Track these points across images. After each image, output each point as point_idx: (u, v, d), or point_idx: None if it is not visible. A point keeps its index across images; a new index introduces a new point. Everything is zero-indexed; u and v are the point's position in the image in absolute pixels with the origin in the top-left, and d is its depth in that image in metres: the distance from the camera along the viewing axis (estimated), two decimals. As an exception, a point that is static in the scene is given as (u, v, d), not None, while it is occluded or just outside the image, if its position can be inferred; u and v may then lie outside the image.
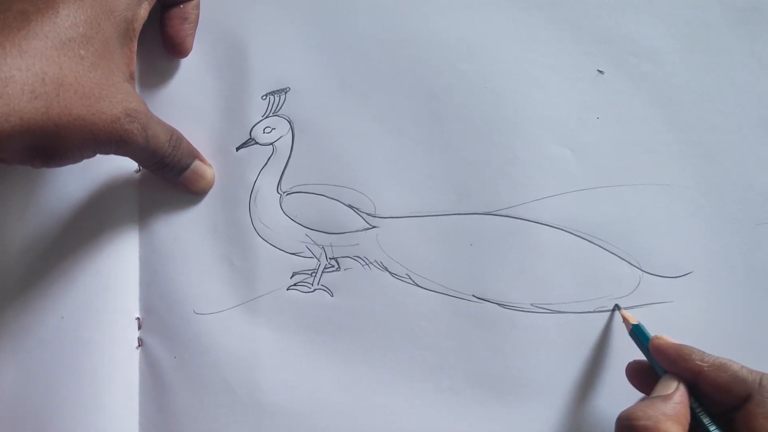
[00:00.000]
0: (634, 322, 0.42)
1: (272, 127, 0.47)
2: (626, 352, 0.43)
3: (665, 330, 0.44)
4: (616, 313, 0.44)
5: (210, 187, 0.46)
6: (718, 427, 0.37)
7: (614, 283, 0.44)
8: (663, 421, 0.35)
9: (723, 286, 0.44)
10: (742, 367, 0.37)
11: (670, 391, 0.38)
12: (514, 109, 0.46)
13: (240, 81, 0.47)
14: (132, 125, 0.39)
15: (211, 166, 0.46)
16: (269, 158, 0.47)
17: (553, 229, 0.45)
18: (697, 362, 0.38)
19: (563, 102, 0.46)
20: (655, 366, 0.40)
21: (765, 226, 0.44)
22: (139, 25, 0.42)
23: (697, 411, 0.38)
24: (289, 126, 0.47)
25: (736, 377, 0.37)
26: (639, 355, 0.42)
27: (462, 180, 0.46)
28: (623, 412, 0.36)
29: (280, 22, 0.47)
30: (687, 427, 0.36)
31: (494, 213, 0.45)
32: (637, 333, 0.42)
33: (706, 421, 0.37)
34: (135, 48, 0.42)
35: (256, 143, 0.47)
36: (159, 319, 0.46)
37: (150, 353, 0.46)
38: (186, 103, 0.47)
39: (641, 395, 0.42)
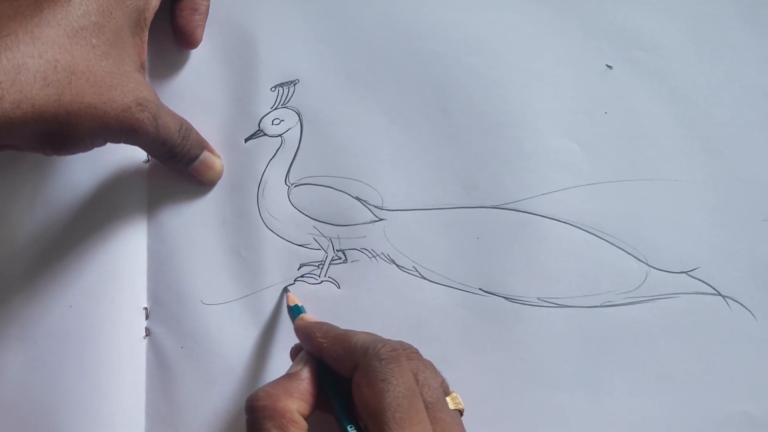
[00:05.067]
0: (291, 303, 0.44)
1: (281, 118, 0.47)
2: (630, 346, 0.44)
3: (673, 325, 0.44)
4: (622, 307, 0.44)
5: (219, 178, 0.46)
6: (341, 399, 0.37)
7: (621, 278, 0.45)
8: (283, 399, 0.36)
9: (729, 282, 0.44)
10: (364, 337, 0.38)
11: (297, 369, 0.38)
12: (522, 103, 0.46)
13: (249, 72, 0.47)
14: (142, 114, 0.39)
15: (219, 157, 0.46)
16: (278, 150, 0.47)
17: (560, 223, 0.45)
18: (319, 339, 0.38)
19: (571, 96, 0.46)
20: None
21: (772, 222, 0.45)
22: (150, 15, 0.42)
23: (327, 385, 0.38)
24: (297, 118, 0.47)
25: (348, 348, 0.37)
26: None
27: (469, 173, 0.46)
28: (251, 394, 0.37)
29: (289, 14, 0.48)
30: (312, 401, 0.37)
31: (501, 206, 0.46)
32: (294, 313, 0.43)
33: (331, 394, 0.38)
34: (146, 37, 0.42)
35: (265, 135, 0.47)
36: (166, 309, 0.46)
37: (157, 343, 0.46)
38: (195, 94, 0.47)
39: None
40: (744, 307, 0.44)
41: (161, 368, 0.45)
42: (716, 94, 0.46)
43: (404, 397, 0.34)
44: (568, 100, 0.46)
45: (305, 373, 0.38)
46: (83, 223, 0.46)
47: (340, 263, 0.46)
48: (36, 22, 0.36)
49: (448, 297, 0.45)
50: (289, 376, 0.38)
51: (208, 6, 0.47)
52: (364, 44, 0.47)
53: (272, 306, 0.45)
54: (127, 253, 0.46)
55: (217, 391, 0.45)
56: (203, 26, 0.47)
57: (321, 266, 0.46)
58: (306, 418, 0.36)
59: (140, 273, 0.46)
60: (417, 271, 0.45)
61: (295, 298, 0.44)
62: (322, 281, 0.46)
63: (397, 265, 0.46)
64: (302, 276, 0.46)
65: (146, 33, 0.42)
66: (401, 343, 0.38)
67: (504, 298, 0.45)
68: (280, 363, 0.45)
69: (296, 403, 0.36)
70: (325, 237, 0.46)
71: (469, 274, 0.45)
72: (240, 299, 0.46)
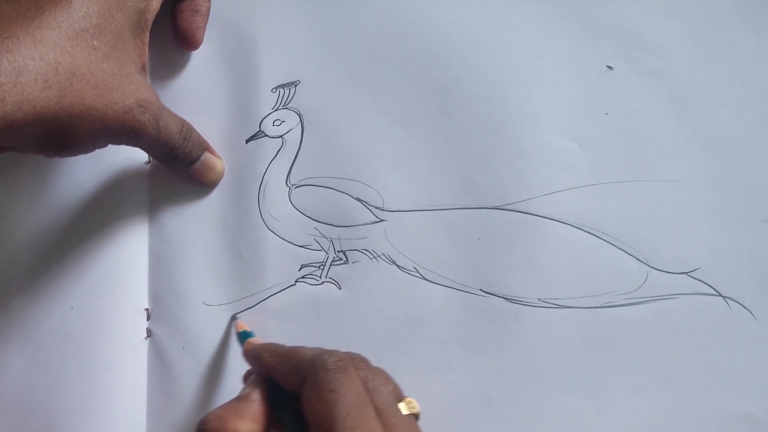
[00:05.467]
0: (239, 330, 0.44)
1: (282, 119, 0.47)
2: (631, 347, 0.44)
3: (674, 325, 0.44)
4: (623, 308, 0.44)
5: (219, 179, 0.47)
6: (293, 416, 0.37)
7: (621, 279, 0.45)
8: (233, 421, 0.35)
9: (730, 282, 0.44)
10: (310, 351, 0.37)
11: (247, 391, 0.38)
12: (523, 103, 0.46)
13: (250, 73, 0.47)
14: (144, 116, 0.39)
15: (220, 158, 0.46)
16: (278, 151, 0.47)
17: (561, 224, 0.45)
18: (266, 359, 0.38)
19: (571, 96, 0.46)
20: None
21: (772, 222, 0.45)
22: (151, 17, 0.42)
23: (279, 404, 0.38)
24: (298, 119, 0.47)
25: (295, 363, 0.37)
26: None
27: (470, 174, 0.46)
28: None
29: (290, 15, 0.48)
30: (263, 421, 0.37)
31: (502, 207, 0.46)
32: (242, 338, 0.43)
33: (282, 412, 0.37)
34: (147, 39, 0.42)
35: (266, 136, 0.47)
36: (168, 309, 0.46)
37: (158, 344, 0.46)
38: (196, 96, 0.47)
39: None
40: (744, 307, 0.44)
41: (162, 369, 0.45)
42: (716, 94, 0.46)
43: (353, 405, 0.34)
44: (568, 100, 0.46)
45: (255, 395, 0.37)
46: (84, 225, 0.46)
47: (341, 264, 0.46)
48: (37, 25, 0.36)
49: (449, 297, 0.45)
50: (239, 398, 0.37)
51: (209, 7, 0.47)
52: (364, 45, 0.47)
53: (273, 307, 0.46)
54: (128, 254, 0.46)
55: (219, 392, 0.45)
56: (204, 28, 0.47)
57: (322, 267, 0.46)
58: None
59: (141, 274, 0.46)
60: (417, 271, 0.45)
61: (243, 324, 0.44)
62: (322, 282, 0.46)
63: (398, 266, 0.46)
64: (303, 277, 0.46)
65: (147, 34, 0.42)
66: (349, 353, 0.38)
67: (504, 298, 0.45)
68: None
69: (247, 424, 0.36)
70: (326, 238, 0.46)
71: (469, 275, 0.45)
72: (241, 300, 0.46)
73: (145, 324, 0.46)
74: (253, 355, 0.40)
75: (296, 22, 0.47)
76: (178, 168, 0.45)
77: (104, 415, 0.45)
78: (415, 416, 0.38)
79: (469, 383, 0.44)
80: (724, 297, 0.44)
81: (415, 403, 0.38)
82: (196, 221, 0.46)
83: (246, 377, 0.41)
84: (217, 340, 0.45)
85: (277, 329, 0.45)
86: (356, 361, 0.37)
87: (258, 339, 0.42)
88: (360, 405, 0.34)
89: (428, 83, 0.47)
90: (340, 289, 0.46)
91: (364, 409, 0.34)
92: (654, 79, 0.46)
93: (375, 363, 0.44)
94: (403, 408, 0.37)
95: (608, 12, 0.47)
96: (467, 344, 0.45)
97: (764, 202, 0.45)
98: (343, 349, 0.44)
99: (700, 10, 0.46)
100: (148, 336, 0.46)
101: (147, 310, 0.46)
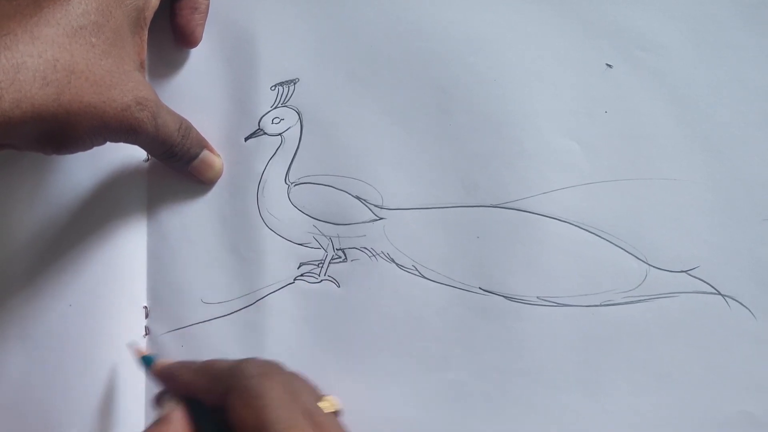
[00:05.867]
0: (141, 354, 0.42)
1: (281, 117, 0.47)
2: (630, 345, 0.44)
3: (673, 324, 0.44)
4: (622, 306, 0.44)
5: (218, 177, 0.47)
6: (218, 429, 0.36)
7: (621, 277, 0.45)
8: None
9: (729, 281, 0.44)
10: (226, 362, 0.37)
11: (165, 413, 0.37)
12: (522, 102, 0.46)
13: (249, 71, 0.47)
14: (142, 114, 0.39)
15: (219, 155, 0.46)
16: (277, 149, 0.47)
17: (560, 222, 0.45)
18: (182, 376, 0.38)
19: (571, 95, 0.46)
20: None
21: (772, 221, 0.45)
22: (150, 14, 0.42)
23: (201, 420, 0.37)
24: (297, 117, 0.47)
25: (214, 376, 0.37)
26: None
27: (469, 172, 0.46)
28: None
29: (289, 13, 0.48)
30: None
31: (501, 206, 0.46)
32: (146, 362, 0.42)
33: (207, 428, 0.37)
34: (146, 37, 0.42)
35: (265, 134, 0.47)
36: (166, 307, 0.46)
37: (157, 342, 0.46)
38: (195, 93, 0.47)
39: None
40: (744, 306, 0.44)
41: (161, 367, 0.45)
42: (717, 94, 0.46)
43: (282, 408, 0.34)
44: (568, 99, 0.46)
45: (176, 415, 0.37)
46: (83, 223, 0.46)
47: (340, 262, 0.46)
48: (35, 22, 0.36)
49: (448, 296, 0.45)
50: (160, 420, 0.37)
51: (208, 5, 0.47)
52: (364, 44, 0.47)
53: (272, 305, 0.45)
54: (126, 252, 0.46)
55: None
56: (203, 25, 0.47)
57: (321, 265, 0.46)
58: None
59: (140, 272, 0.46)
60: (417, 270, 0.45)
61: (142, 349, 0.43)
62: (321, 280, 0.46)
63: (397, 264, 0.46)
64: (302, 275, 0.46)
65: (146, 32, 0.42)
66: (265, 360, 0.38)
67: (504, 297, 0.45)
68: (279, 360, 0.45)
69: None
70: (325, 236, 0.46)
71: (468, 273, 0.45)
72: (240, 298, 0.46)
73: (144, 322, 0.46)
74: (166, 374, 0.39)
75: (295, 20, 0.47)
76: (177, 166, 0.45)
77: (103, 413, 0.45)
78: (336, 413, 0.38)
79: (468, 381, 0.44)
80: (723, 295, 0.44)
81: (334, 401, 0.38)
82: (194, 219, 0.46)
83: (156, 400, 0.40)
84: (216, 338, 0.45)
85: (276, 327, 0.45)
86: (275, 366, 0.38)
87: (165, 359, 0.42)
88: (288, 408, 0.34)
89: (428, 82, 0.47)
90: (339, 287, 0.46)
91: (293, 410, 0.34)
92: (654, 79, 0.46)
93: (373, 360, 0.45)
94: (326, 406, 0.37)
95: (608, 12, 0.47)
96: (466, 343, 0.45)
97: (764, 202, 0.45)
98: (343, 347, 0.45)
99: (700, 10, 0.46)
100: (146, 334, 0.46)
101: (145, 308, 0.46)
